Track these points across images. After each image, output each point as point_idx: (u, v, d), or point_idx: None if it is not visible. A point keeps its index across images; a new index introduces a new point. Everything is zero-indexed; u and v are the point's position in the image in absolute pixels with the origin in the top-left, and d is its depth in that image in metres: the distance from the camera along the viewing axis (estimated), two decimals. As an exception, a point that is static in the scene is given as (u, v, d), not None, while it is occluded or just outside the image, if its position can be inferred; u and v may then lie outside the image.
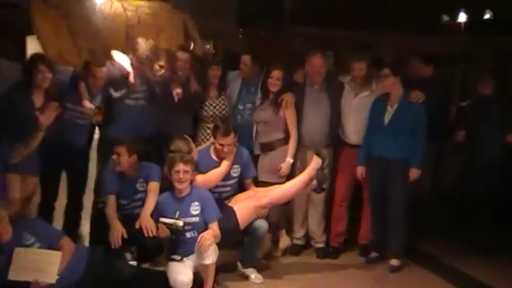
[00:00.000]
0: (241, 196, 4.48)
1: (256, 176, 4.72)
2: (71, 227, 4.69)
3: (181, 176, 4.11)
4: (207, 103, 5.02)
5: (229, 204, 4.41)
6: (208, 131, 4.87)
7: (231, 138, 4.37)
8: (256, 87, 5.06)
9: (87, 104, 4.43)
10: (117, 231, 4.03)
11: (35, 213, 4.55)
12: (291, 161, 4.77)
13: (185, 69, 4.93)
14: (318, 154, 4.49)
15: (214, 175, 4.39)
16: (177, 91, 4.75)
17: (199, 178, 4.31)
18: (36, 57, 4.36)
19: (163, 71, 4.71)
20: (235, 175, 4.53)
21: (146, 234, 4.01)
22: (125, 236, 4.04)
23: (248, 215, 4.32)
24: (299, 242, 5.11)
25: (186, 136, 4.46)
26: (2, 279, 3.62)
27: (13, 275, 3.63)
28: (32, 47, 5.44)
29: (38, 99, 4.22)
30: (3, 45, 5.06)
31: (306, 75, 4.96)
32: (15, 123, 4.09)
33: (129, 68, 4.63)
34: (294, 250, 5.05)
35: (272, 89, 4.83)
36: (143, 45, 4.60)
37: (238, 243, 4.48)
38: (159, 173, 4.34)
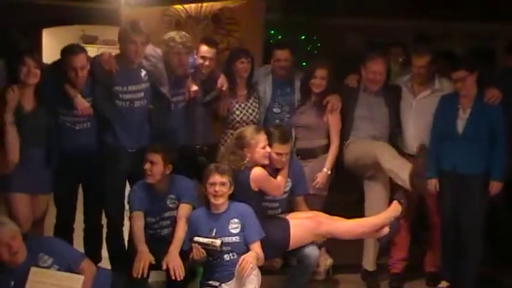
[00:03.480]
0: (300, 214, 4.05)
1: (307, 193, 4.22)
2: (91, 250, 4.21)
3: (217, 188, 3.68)
4: (235, 105, 4.48)
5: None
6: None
7: (289, 146, 3.97)
8: (293, 87, 4.53)
9: (82, 103, 3.85)
10: (144, 260, 3.59)
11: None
12: (329, 172, 4.33)
13: (209, 67, 4.33)
14: (399, 201, 3.95)
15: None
16: (193, 89, 4.22)
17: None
18: (23, 50, 3.99)
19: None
20: (285, 189, 4.03)
21: (173, 277, 3.54)
22: (153, 261, 3.62)
23: (303, 235, 3.86)
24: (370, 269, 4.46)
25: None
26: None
27: (28, 301, 3.27)
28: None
29: (28, 102, 3.77)
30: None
31: (361, 80, 4.44)
32: None
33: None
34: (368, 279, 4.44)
35: (316, 90, 4.36)
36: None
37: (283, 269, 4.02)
38: (192, 191, 3.92)
